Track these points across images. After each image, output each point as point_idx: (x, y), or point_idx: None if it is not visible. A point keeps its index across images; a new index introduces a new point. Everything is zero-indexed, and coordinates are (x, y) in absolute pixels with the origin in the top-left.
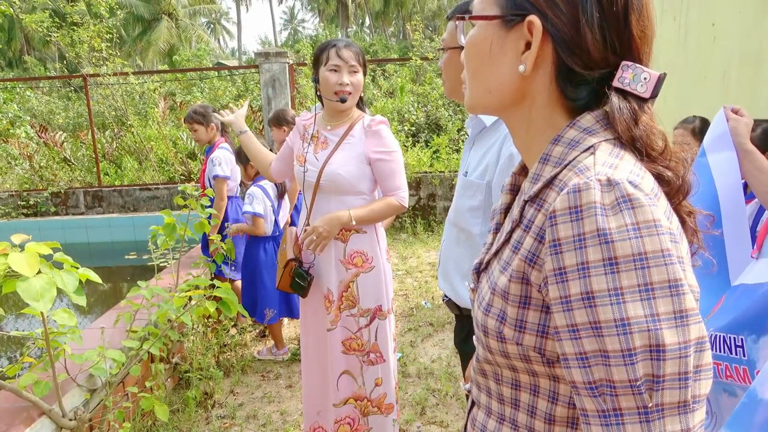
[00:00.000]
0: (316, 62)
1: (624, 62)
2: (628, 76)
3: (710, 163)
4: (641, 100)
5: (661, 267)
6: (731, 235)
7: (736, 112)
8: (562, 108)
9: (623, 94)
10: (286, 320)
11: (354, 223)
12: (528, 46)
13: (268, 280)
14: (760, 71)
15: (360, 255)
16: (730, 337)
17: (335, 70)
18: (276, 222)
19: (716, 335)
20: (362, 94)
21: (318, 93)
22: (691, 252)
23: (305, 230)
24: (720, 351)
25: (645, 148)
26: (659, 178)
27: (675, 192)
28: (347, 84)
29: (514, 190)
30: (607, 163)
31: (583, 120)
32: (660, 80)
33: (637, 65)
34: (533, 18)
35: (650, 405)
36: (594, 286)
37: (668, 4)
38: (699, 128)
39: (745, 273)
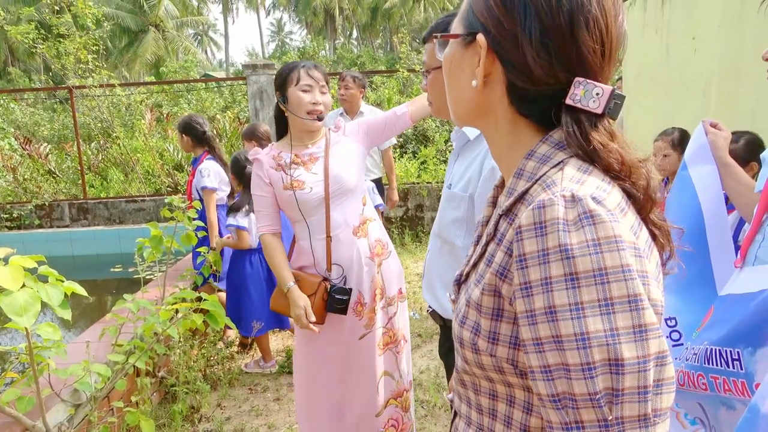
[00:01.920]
0: (284, 83)
1: (576, 78)
2: (579, 92)
3: (692, 175)
4: (595, 117)
5: (621, 282)
6: (716, 246)
7: (714, 126)
8: (525, 123)
9: (576, 111)
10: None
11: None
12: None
13: (254, 293)
14: (740, 83)
15: (379, 243)
16: (726, 351)
17: (307, 90)
18: None
19: (712, 349)
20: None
21: (284, 114)
22: (663, 262)
23: (328, 240)
24: (717, 365)
25: (602, 165)
26: (627, 193)
27: (641, 206)
28: (320, 103)
29: (495, 203)
30: (575, 179)
31: (555, 135)
32: (613, 95)
33: (589, 81)
34: (479, 36)
35: (610, 418)
36: (556, 300)
37: (650, 18)
38: (678, 139)
39: (731, 282)
